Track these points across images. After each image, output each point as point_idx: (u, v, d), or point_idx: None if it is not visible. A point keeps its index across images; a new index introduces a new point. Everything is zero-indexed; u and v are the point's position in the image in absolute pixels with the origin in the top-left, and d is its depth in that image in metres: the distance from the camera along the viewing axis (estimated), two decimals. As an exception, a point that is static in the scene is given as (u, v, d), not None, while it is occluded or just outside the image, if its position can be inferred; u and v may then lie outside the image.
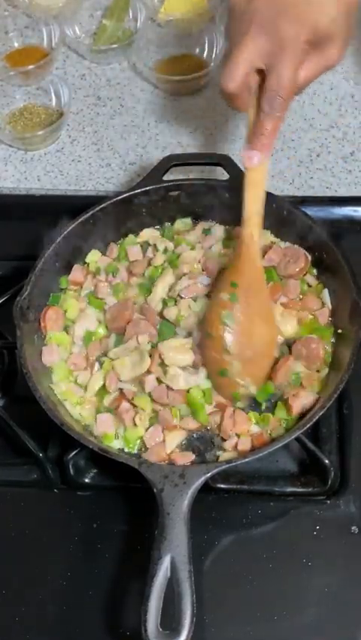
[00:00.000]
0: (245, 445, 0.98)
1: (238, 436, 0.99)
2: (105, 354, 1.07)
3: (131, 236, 1.20)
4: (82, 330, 1.10)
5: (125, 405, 1.02)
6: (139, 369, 1.03)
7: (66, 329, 1.11)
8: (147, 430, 1.00)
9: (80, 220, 1.13)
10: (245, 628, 0.91)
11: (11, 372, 1.17)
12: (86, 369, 1.07)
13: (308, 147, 1.40)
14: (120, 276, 1.14)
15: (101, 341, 1.09)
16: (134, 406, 1.02)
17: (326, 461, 0.98)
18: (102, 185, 1.39)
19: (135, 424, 1.00)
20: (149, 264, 1.16)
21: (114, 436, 1.01)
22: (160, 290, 1.11)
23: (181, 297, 1.09)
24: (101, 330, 1.11)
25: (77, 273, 1.15)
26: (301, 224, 1.11)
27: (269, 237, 1.16)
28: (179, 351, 1.03)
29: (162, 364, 1.02)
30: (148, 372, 1.02)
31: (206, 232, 1.18)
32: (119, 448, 1.01)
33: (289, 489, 1.01)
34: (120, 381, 1.03)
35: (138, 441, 1.00)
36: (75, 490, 1.04)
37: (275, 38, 0.92)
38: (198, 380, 1.02)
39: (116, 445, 1.01)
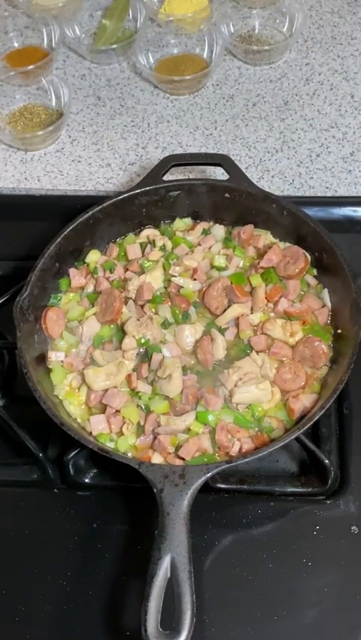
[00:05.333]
0: (249, 444, 0.98)
1: (239, 439, 0.98)
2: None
3: (131, 236, 1.20)
4: (91, 330, 1.09)
5: (109, 409, 1.01)
6: (113, 381, 1.02)
7: (71, 330, 1.10)
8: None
9: (80, 220, 1.12)
10: (245, 628, 0.91)
11: (11, 372, 1.17)
12: (79, 372, 1.06)
13: (308, 147, 1.40)
14: (117, 273, 1.14)
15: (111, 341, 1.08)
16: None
17: (326, 461, 0.98)
18: (102, 185, 1.39)
19: (123, 433, 1.00)
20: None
21: (109, 437, 1.01)
22: (142, 280, 1.11)
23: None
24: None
25: (77, 278, 1.14)
26: (301, 224, 1.11)
27: (269, 237, 1.16)
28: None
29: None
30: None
31: (206, 232, 1.18)
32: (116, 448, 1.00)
33: (289, 489, 1.01)
34: (92, 390, 1.03)
35: (130, 451, 0.99)
36: (75, 490, 1.04)
37: None
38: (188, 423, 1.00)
39: (113, 445, 1.00)
